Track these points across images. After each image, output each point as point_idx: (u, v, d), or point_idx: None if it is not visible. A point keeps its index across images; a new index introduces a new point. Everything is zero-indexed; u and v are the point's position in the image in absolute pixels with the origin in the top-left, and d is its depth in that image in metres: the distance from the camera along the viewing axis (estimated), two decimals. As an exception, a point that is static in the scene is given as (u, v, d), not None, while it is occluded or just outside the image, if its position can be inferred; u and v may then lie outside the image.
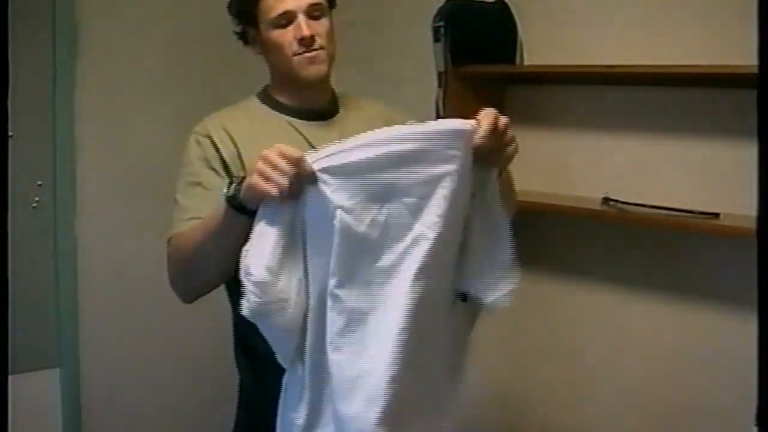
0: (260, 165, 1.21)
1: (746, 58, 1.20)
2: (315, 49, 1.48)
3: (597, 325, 2.17)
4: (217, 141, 1.51)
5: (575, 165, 2.18)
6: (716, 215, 1.79)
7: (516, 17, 2.22)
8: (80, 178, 2.43)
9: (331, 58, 1.53)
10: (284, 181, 1.18)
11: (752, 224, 0.95)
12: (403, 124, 1.22)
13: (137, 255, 2.58)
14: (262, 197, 1.23)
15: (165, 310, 2.66)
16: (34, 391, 2.36)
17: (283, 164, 1.19)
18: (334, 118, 1.59)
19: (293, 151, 1.21)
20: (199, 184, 1.52)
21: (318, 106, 1.57)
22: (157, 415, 2.63)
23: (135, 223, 2.57)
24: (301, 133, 1.53)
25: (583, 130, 2.16)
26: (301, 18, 1.46)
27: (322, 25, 1.49)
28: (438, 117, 2.19)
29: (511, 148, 1.41)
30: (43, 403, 2.41)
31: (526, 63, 2.23)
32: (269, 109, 1.58)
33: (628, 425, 2.10)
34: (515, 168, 2.37)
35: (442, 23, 2.07)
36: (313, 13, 1.48)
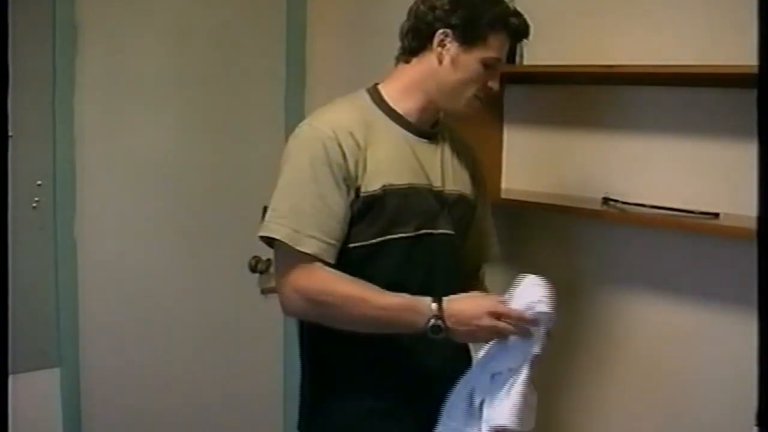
0: (483, 334, 1.44)
1: (746, 58, 1.20)
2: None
3: (597, 325, 2.17)
4: (345, 147, 1.46)
5: (575, 165, 2.18)
6: (716, 215, 1.79)
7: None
8: (80, 178, 2.43)
9: None
10: (513, 331, 1.44)
11: (752, 224, 0.95)
12: (468, 155, 1.70)
13: (137, 255, 2.58)
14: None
15: (165, 310, 2.67)
16: (34, 391, 2.36)
17: (509, 328, 1.44)
18: (436, 139, 1.63)
19: (511, 312, 1.45)
20: (318, 193, 1.44)
21: (429, 127, 1.61)
22: (157, 415, 2.63)
23: (135, 223, 2.57)
24: (414, 150, 1.56)
25: (583, 130, 2.16)
26: (499, 71, 1.54)
27: None
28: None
29: None
30: (43, 403, 2.40)
31: (526, 63, 2.23)
32: (383, 115, 1.56)
33: (628, 425, 2.10)
34: (516, 167, 2.38)
35: None
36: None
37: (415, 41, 1.56)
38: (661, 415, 2.03)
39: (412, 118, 1.57)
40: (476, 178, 1.74)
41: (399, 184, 1.51)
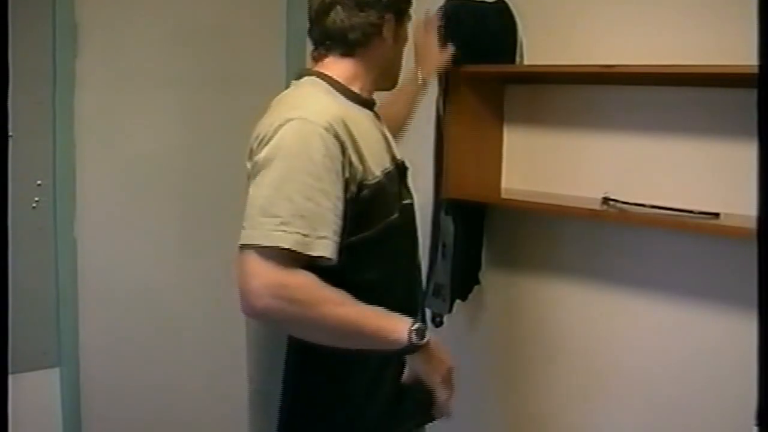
0: (442, 377, 1.43)
1: (746, 58, 1.20)
2: None
3: (597, 325, 2.17)
4: (343, 138, 1.36)
5: (575, 165, 2.18)
6: (716, 215, 1.79)
7: (516, 17, 2.22)
8: (80, 178, 2.43)
9: None
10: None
11: (752, 224, 0.95)
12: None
13: (137, 255, 2.58)
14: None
15: (165, 310, 2.67)
16: (34, 391, 2.36)
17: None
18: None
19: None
20: (321, 190, 1.31)
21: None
22: (157, 415, 2.63)
23: (135, 223, 2.57)
24: (377, 127, 1.56)
25: (584, 130, 2.16)
26: None
27: None
28: (438, 117, 2.20)
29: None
30: (43, 403, 2.40)
31: (526, 63, 2.23)
32: (351, 102, 1.50)
33: (628, 425, 2.10)
34: (516, 167, 2.38)
35: (442, 23, 2.07)
36: None
37: (356, 34, 1.51)
38: (661, 415, 2.03)
39: (366, 94, 1.57)
40: None
41: (388, 167, 1.50)
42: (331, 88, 1.49)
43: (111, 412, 2.54)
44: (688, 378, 1.97)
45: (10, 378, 0.94)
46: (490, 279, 2.40)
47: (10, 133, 0.91)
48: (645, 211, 1.90)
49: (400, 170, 1.56)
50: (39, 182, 2.33)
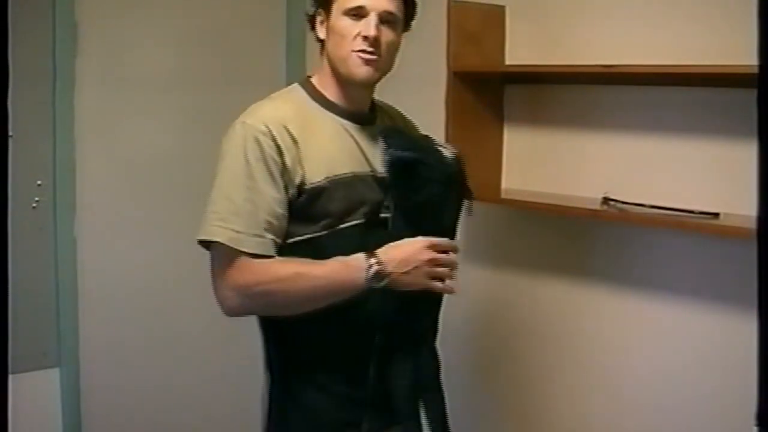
0: (427, 269, 1.40)
1: (746, 58, 1.20)
2: (373, 53, 1.47)
3: (596, 325, 2.17)
4: (279, 141, 1.43)
5: (575, 165, 2.18)
6: (716, 215, 1.79)
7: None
8: (80, 178, 2.43)
9: (386, 70, 1.53)
10: (452, 275, 1.43)
11: (752, 224, 0.95)
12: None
13: (137, 255, 2.58)
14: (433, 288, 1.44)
15: (165, 310, 2.67)
16: (34, 391, 2.36)
17: (451, 258, 1.43)
18: (375, 124, 1.59)
19: (449, 244, 1.43)
20: (256, 190, 1.41)
21: (363, 110, 1.58)
22: (157, 415, 2.63)
23: (135, 222, 2.57)
24: (354, 138, 1.54)
25: (583, 130, 2.16)
26: (373, 17, 1.46)
27: (388, 35, 1.49)
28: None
29: None
30: (43, 403, 2.40)
31: (526, 63, 2.22)
32: (319, 107, 1.55)
33: (628, 425, 2.10)
34: (516, 167, 2.38)
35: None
36: (385, 19, 1.48)
37: (317, 38, 1.58)
38: (660, 415, 2.03)
39: (345, 105, 1.55)
40: None
41: (343, 174, 1.49)
42: (305, 93, 1.56)
43: (111, 412, 2.54)
44: (687, 378, 1.97)
45: (10, 378, 0.93)
46: (490, 279, 2.40)
47: (10, 133, 0.91)
48: (645, 211, 1.90)
49: (383, 185, 1.52)
50: (39, 182, 2.33)
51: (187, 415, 2.70)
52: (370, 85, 1.54)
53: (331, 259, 1.42)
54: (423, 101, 2.10)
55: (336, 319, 1.44)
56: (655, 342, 2.04)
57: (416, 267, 1.40)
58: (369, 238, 1.48)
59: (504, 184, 2.33)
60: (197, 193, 2.65)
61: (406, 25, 1.56)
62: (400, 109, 1.75)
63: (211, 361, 2.74)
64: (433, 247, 1.42)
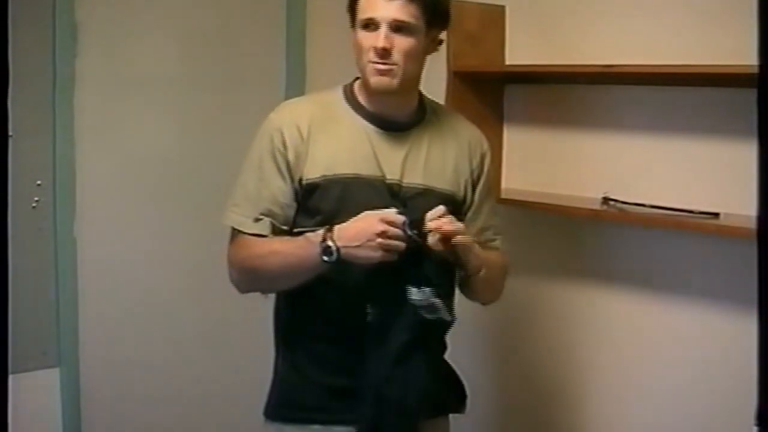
0: (379, 241, 1.40)
1: (746, 58, 1.20)
2: (387, 63, 1.50)
3: (596, 325, 2.17)
4: (287, 138, 1.54)
5: (575, 165, 2.18)
6: (716, 215, 1.79)
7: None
8: (80, 178, 2.43)
9: (408, 76, 1.54)
10: (402, 246, 1.41)
11: (752, 224, 0.95)
12: (473, 152, 1.68)
13: (137, 255, 2.58)
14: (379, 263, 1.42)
15: (165, 310, 2.67)
16: (34, 391, 2.36)
17: (394, 231, 1.40)
18: (412, 131, 1.61)
19: (397, 217, 1.41)
20: (263, 179, 1.56)
21: (396, 117, 1.59)
22: (157, 415, 2.63)
23: (135, 222, 2.57)
24: (372, 142, 1.56)
25: (583, 130, 2.16)
26: (383, 29, 1.48)
27: (404, 42, 1.50)
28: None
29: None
30: (43, 403, 2.40)
31: (525, 63, 2.23)
32: (349, 107, 1.60)
33: (627, 423, 2.10)
34: (516, 167, 2.38)
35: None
36: (398, 27, 1.49)
37: None
38: (661, 415, 2.03)
39: (374, 109, 1.58)
40: (464, 173, 1.67)
41: (342, 174, 1.53)
42: (341, 95, 1.61)
43: (111, 412, 2.54)
44: (687, 378, 1.97)
45: (10, 378, 0.93)
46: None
47: (10, 133, 0.90)
48: (645, 211, 1.90)
49: (392, 192, 1.55)
50: (39, 182, 2.33)
51: (187, 415, 2.70)
52: (390, 93, 1.55)
53: (303, 235, 1.51)
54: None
55: (331, 291, 1.53)
56: (655, 342, 2.04)
57: (368, 240, 1.41)
58: None
59: (504, 184, 2.33)
60: (197, 192, 2.68)
61: (432, 29, 1.55)
62: (459, 113, 1.77)
63: (211, 361, 2.74)
64: (384, 220, 1.42)
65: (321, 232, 1.46)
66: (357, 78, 1.62)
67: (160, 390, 2.65)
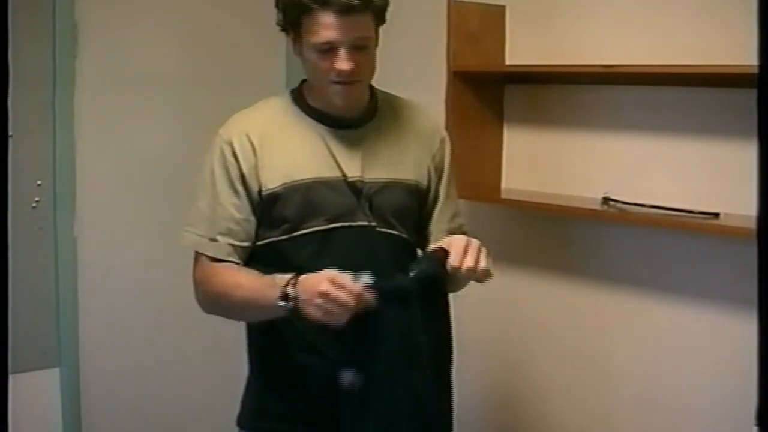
0: (319, 301, 1.29)
1: (746, 58, 1.20)
2: (352, 79, 1.44)
3: (596, 325, 2.17)
4: (237, 150, 1.49)
5: (575, 165, 2.18)
6: (716, 215, 1.79)
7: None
8: (80, 178, 2.43)
9: (369, 79, 1.51)
10: (347, 315, 1.30)
11: (752, 224, 0.95)
12: (432, 140, 1.60)
13: (137, 255, 2.58)
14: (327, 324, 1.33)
15: (165, 310, 2.67)
16: (34, 391, 2.36)
17: (344, 298, 1.29)
18: (366, 126, 1.56)
19: (350, 284, 1.30)
20: (216, 196, 1.51)
21: (348, 114, 1.54)
22: (157, 415, 2.63)
23: (135, 223, 2.58)
24: (326, 142, 1.51)
25: (583, 130, 2.16)
26: (344, 51, 1.40)
27: (366, 57, 1.45)
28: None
29: (479, 273, 1.43)
30: (43, 403, 2.41)
31: (525, 63, 2.23)
32: (300, 111, 1.55)
33: (628, 425, 2.10)
34: (516, 167, 2.38)
35: None
36: (359, 45, 1.42)
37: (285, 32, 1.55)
38: (661, 415, 2.03)
39: (326, 109, 1.52)
40: (425, 161, 1.61)
41: (302, 179, 1.48)
42: (290, 99, 1.57)
43: (111, 412, 2.54)
44: (687, 378, 1.97)
45: (10, 378, 0.93)
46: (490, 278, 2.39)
47: (10, 133, 0.90)
48: (645, 211, 1.90)
49: (355, 190, 1.50)
50: (39, 182, 2.33)
51: (187, 415, 2.70)
52: (356, 103, 1.52)
53: (269, 276, 1.43)
54: (423, 101, 2.09)
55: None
56: (655, 342, 2.04)
57: (312, 297, 1.31)
58: (330, 245, 1.48)
59: (504, 184, 2.33)
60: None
61: (379, 28, 1.48)
62: (414, 102, 1.68)
63: (211, 361, 2.74)
64: (332, 281, 1.30)
65: (286, 277, 1.38)
66: (304, 80, 1.58)
67: (160, 390, 2.65)
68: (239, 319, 1.58)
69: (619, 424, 2.13)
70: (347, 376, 1.40)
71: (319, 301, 1.30)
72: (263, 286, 1.42)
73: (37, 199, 2.33)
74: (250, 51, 2.77)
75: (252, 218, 1.51)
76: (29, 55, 2.25)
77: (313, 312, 1.32)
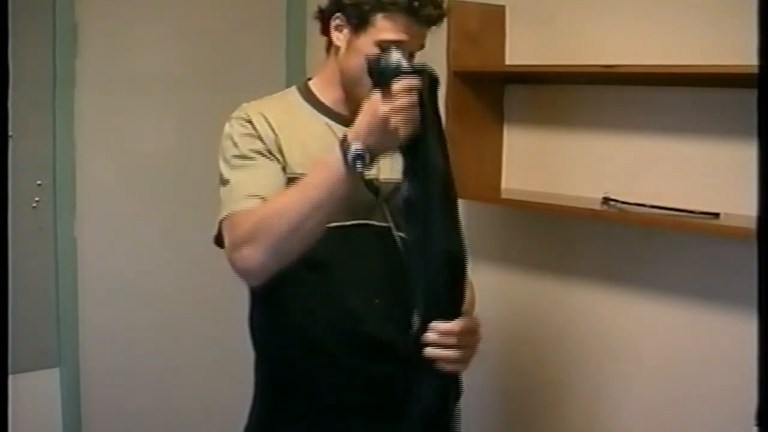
0: (392, 118, 1.24)
1: (746, 58, 1.20)
2: None
3: (596, 326, 2.17)
4: (257, 126, 1.46)
5: (575, 165, 2.18)
6: (716, 215, 1.79)
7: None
8: (80, 178, 2.43)
9: None
10: (416, 115, 1.26)
11: (752, 224, 0.95)
12: None
13: (137, 255, 2.58)
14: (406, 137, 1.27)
15: (165, 310, 2.67)
16: (34, 391, 2.36)
17: (406, 101, 1.25)
18: None
19: (397, 89, 1.25)
20: (249, 158, 1.44)
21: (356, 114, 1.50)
22: (157, 415, 2.63)
23: (135, 222, 2.58)
24: (339, 139, 1.46)
25: (583, 130, 2.16)
26: (404, 53, 1.37)
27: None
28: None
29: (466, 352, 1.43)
30: (43, 403, 2.41)
31: (525, 63, 2.23)
32: (309, 107, 1.54)
33: (628, 425, 2.10)
34: (516, 167, 2.38)
35: None
36: (415, 51, 1.44)
37: (323, 32, 1.53)
38: (661, 415, 2.03)
39: (339, 109, 1.51)
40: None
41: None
42: (298, 95, 1.56)
43: (111, 412, 2.54)
44: (687, 378, 1.97)
45: (10, 378, 0.93)
46: (490, 278, 2.40)
47: (10, 133, 0.91)
48: (645, 211, 1.90)
49: (372, 188, 1.49)
50: (39, 182, 2.33)
51: (187, 415, 2.70)
52: None
53: (309, 176, 1.35)
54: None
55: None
56: (655, 342, 2.04)
57: (383, 126, 1.26)
58: (349, 243, 1.46)
59: (504, 184, 2.33)
60: (197, 193, 2.67)
61: None
62: None
63: (211, 361, 2.74)
64: (385, 99, 1.26)
65: (335, 149, 1.29)
66: (309, 78, 1.58)
67: (161, 390, 2.65)
68: (303, 237, 1.32)
69: (618, 424, 2.12)
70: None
71: (393, 121, 1.25)
72: (315, 177, 1.32)
73: (37, 199, 2.33)
74: (250, 51, 2.77)
75: (282, 177, 1.43)
76: (29, 55, 2.25)
77: (392, 138, 1.26)
